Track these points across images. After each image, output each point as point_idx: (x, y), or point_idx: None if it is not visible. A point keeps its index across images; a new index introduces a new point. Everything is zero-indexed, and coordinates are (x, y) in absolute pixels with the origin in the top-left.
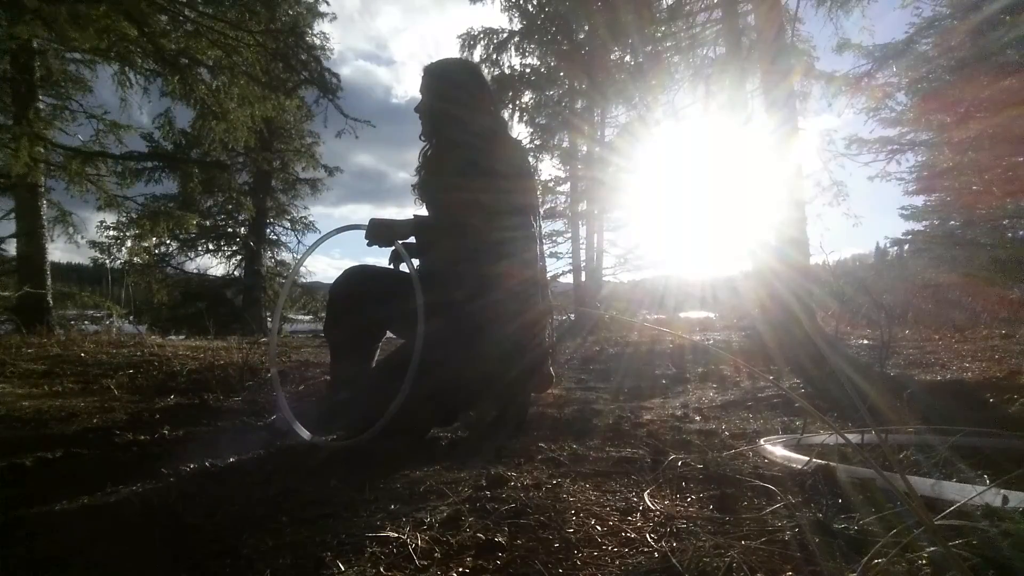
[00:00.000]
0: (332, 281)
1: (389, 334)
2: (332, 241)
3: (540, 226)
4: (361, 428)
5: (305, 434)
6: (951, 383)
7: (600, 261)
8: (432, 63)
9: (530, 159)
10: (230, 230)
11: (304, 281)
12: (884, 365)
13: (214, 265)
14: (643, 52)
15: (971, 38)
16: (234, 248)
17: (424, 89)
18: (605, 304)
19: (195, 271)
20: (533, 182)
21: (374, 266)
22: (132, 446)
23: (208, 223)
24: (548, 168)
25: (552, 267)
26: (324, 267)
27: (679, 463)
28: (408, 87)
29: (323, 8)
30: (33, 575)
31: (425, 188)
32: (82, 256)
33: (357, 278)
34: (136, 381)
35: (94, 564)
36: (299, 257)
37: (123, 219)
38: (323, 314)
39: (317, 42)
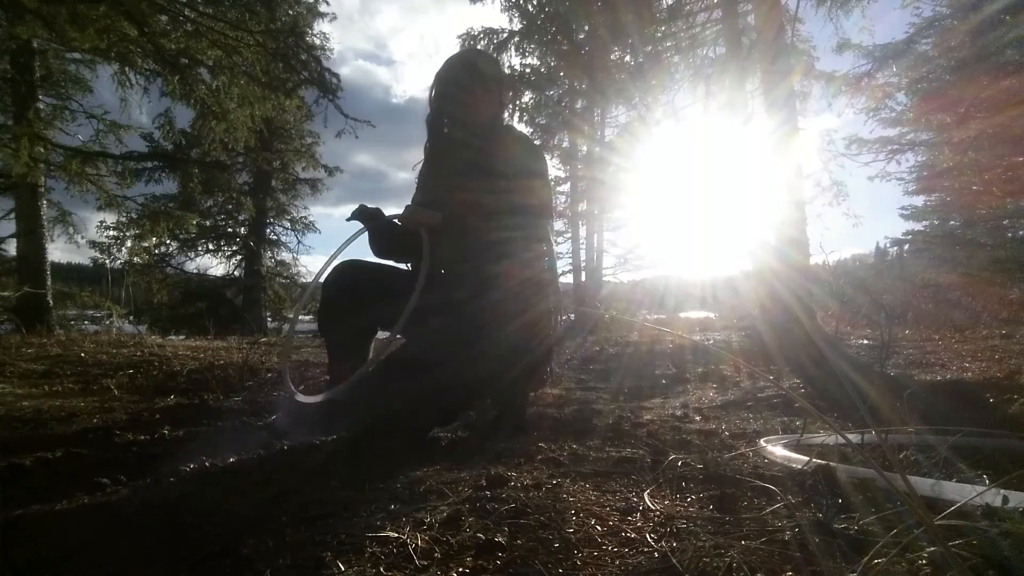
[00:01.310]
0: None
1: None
2: (332, 241)
3: (551, 225)
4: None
5: (305, 399)
6: (951, 383)
7: (600, 261)
8: (447, 58)
9: (543, 159)
10: (230, 230)
11: (304, 281)
12: (884, 365)
13: (214, 265)
14: (643, 52)
15: (971, 38)
16: (234, 248)
17: (430, 89)
18: (605, 304)
19: (195, 271)
20: (539, 181)
21: (366, 261)
22: (132, 446)
23: (208, 223)
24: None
25: None
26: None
27: (679, 463)
28: (407, 87)
29: (323, 8)
30: (33, 575)
31: (425, 188)
32: (82, 256)
33: (351, 274)
34: (136, 381)
35: (94, 564)
36: (334, 252)
37: (123, 219)
38: None
39: (317, 42)
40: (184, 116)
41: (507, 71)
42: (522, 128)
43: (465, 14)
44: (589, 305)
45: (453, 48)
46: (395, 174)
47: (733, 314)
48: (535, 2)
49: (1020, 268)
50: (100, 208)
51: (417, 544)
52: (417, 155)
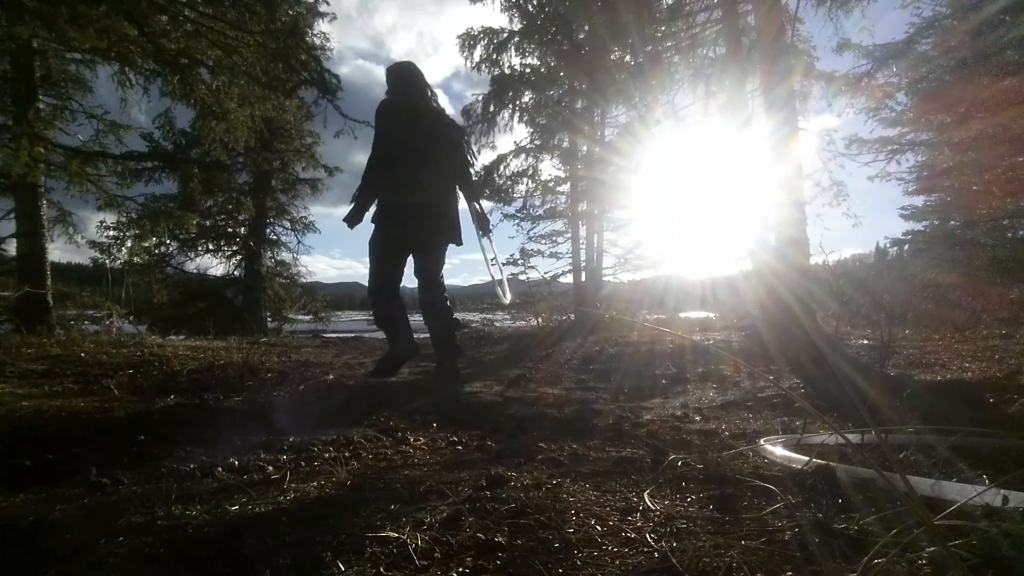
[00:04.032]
0: (331, 281)
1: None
2: (332, 241)
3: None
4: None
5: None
6: (951, 383)
7: (600, 261)
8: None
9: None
10: (230, 230)
11: (304, 281)
12: (884, 365)
13: (214, 265)
14: (643, 52)
15: (971, 38)
16: (234, 248)
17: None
18: (605, 304)
19: (195, 271)
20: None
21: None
22: (132, 446)
23: (208, 223)
24: (548, 168)
25: (552, 267)
26: (324, 267)
27: (679, 463)
28: None
29: (323, 8)
30: (33, 575)
31: None
32: (82, 256)
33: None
34: (136, 381)
35: (94, 564)
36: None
37: (123, 219)
38: (323, 314)
39: (317, 42)
40: (184, 116)
41: (507, 71)
42: (521, 128)
43: (465, 14)
44: (589, 305)
45: (453, 48)
46: None
47: (733, 314)
48: (535, 2)
49: (1020, 268)
50: (100, 208)
51: (417, 544)
52: None
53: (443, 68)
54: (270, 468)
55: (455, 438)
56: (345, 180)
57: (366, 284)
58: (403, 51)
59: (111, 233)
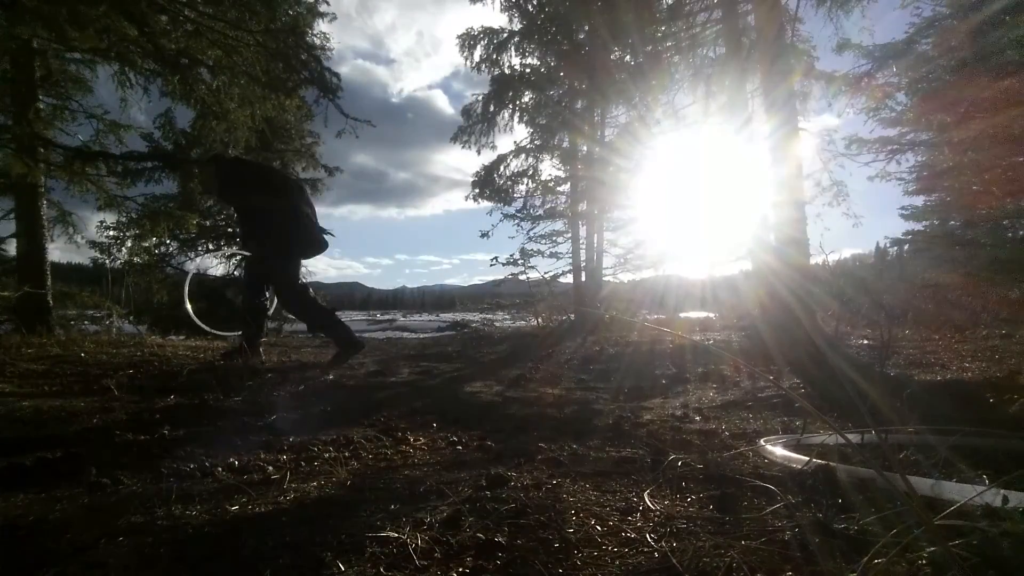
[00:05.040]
0: (331, 281)
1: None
2: (331, 241)
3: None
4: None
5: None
6: (951, 383)
7: (600, 261)
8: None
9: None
10: (230, 230)
11: (304, 281)
12: (884, 365)
13: (214, 265)
14: (643, 52)
15: (971, 38)
16: (234, 248)
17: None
18: (605, 304)
19: (195, 271)
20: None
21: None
22: (132, 446)
23: (208, 223)
24: (548, 168)
25: (552, 267)
26: (324, 267)
27: (679, 463)
28: (406, 85)
29: (323, 8)
30: (33, 575)
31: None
32: (82, 256)
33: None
34: (136, 381)
35: (94, 564)
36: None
37: (123, 219)
38: None
39: (317, 42)
40: (184, 116)
41: (507, 71)
42: (521, 128)
43: (465, 13)
44: (589, 305)
45: (453, 48)
46: (395, 174)
47: (733, 314)
48: (535, 2)
49: (1020, 268)
50: (100, 208)
51: (417, 544)
52: (417, 155)
53: (443, 68)
54: (270, 468)
55: (455, 438)
56: (345, 180)
57: (366, 284)
58: (402, 50)
59: (111, 233)
